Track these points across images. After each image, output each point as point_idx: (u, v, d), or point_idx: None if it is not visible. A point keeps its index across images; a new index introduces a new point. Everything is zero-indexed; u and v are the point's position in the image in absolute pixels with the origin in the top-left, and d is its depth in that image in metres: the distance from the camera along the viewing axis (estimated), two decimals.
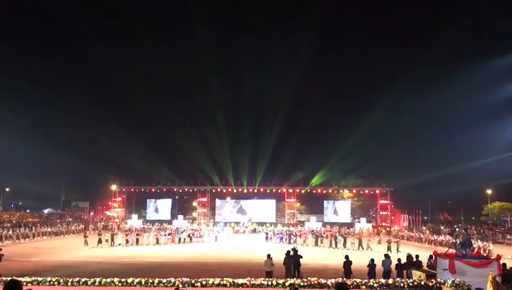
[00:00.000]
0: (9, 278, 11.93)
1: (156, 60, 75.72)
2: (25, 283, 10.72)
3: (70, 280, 11.74)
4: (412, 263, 18.37)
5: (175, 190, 67.38)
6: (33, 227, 46.19)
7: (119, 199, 67.39)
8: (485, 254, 28.82)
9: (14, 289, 5.87)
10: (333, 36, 77.96)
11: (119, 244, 37.22)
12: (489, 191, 63.14)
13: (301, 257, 20.29)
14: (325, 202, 66.24)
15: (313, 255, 29.62)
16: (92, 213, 73.11)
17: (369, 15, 75.26)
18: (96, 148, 77.32)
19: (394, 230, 57.38)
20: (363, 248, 36.41)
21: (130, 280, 11.87)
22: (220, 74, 70.28)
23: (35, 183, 72.73)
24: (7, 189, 76.47)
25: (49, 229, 46.27)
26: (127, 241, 38.24)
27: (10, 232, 40.40)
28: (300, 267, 19.98)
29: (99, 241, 36.30)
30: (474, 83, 59.66)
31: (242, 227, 56.19)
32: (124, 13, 71.39)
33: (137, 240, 39.12)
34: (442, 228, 59.30)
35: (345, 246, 37.40)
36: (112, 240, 37.57)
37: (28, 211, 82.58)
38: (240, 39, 73.09)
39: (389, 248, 35.27)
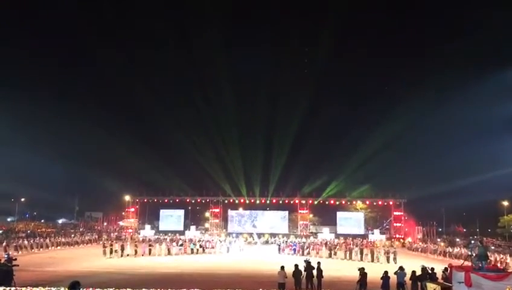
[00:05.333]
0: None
1: (169, 71, 76.55)
2: None
3: None
4: (427, 275, 18.15)
5: (188, 200, 67.50)
6: (47, 237, 46.59)
7: (133, 209, 67.80)
8: (502, 267, 28.29)
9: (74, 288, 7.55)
10: (346, 46, 77.94)
11: (128, 255, 37.30)
12: (505, 203, 62.10)
13: (314, 269, 20.17)
14: (338, 213, 65.75)
15: (326, 267, 29.33)
16: (105, 223, 73.65)
17: (382, 25, 75.20)
18: (110, 158, 77.82)
19: (408, 242, 56.77)
20: (372, 260, 36.04)
21: None
22: (232, 84, 70.53)
23: (49, 194, 73.49)
24: (22, 199, 77.30)
25: (63, 239, 46.64)
26: (136, 251, 38.31)
27: (25, 242, 40.86)
28: (313, 279, 19.87)
29: (111, 252, 36.47)
30: (490, 93, 59.00)
31: (254, 239, 55.93)
32: (141, 24, 72.34)
33: (149, 250, 39.20)
34: (457, 240, 58.41)
35: (362, 258, 36.92)
36: (122, 250, 37.67)
37: (42, 221, 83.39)
38: (252, 48, 73.46)
39: (387, 259, 35.18)
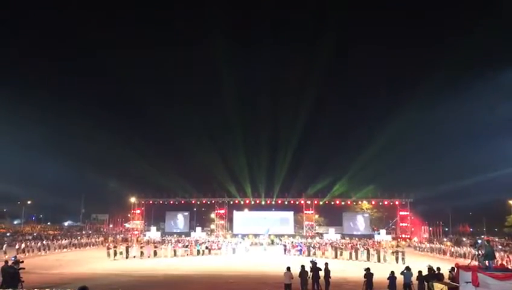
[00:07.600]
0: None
1: (174, 74, 76.80)
2: None
3: None
4: (434, 275, 18.05)
5: (193, 202, 67.60)
6: (54, 239, 46.75)
7: (138, 211, 67.94)
8: (509, 266, 28.10)
9: None
10: (350, 47, 78.00)
11: (134, 257, 37.27)
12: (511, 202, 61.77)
13: (320, 269, 20.10)
14: (343, 213, 65.58)
15: (332, 268, 29.26)
16: (111, 225, 73.86)
17: (384, 25, 75.07)
18: (115, 160, 78.19)
19: (414, 241, 56.54)
20: (379, 260, 35.83)
21: None
22: (237, 86, 70.68)
23: (55, 196, 73.86)
24: (29, 202, 77.72)
25: (69, 242, 46.78)
26: (142, 253, 38.31)
27: (32, 244, 40.99)
28: (320, 280, 19.80)
29: (115, 254, 36.45)
30: (495, 93, 58.83)
31: (260, 239, 55.88)
32: (144, 25, 72.57)
33: (155, 252, 39.21)
34: (464, 239, 58.10)
35: (368, 258, 36.70)
36: (127, 252, 37.61)
37: (48, 223, 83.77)
38: (257, 49, 73.62)
39: (396, 259, 34.98)
